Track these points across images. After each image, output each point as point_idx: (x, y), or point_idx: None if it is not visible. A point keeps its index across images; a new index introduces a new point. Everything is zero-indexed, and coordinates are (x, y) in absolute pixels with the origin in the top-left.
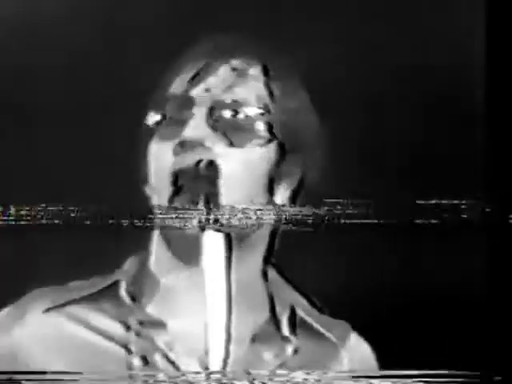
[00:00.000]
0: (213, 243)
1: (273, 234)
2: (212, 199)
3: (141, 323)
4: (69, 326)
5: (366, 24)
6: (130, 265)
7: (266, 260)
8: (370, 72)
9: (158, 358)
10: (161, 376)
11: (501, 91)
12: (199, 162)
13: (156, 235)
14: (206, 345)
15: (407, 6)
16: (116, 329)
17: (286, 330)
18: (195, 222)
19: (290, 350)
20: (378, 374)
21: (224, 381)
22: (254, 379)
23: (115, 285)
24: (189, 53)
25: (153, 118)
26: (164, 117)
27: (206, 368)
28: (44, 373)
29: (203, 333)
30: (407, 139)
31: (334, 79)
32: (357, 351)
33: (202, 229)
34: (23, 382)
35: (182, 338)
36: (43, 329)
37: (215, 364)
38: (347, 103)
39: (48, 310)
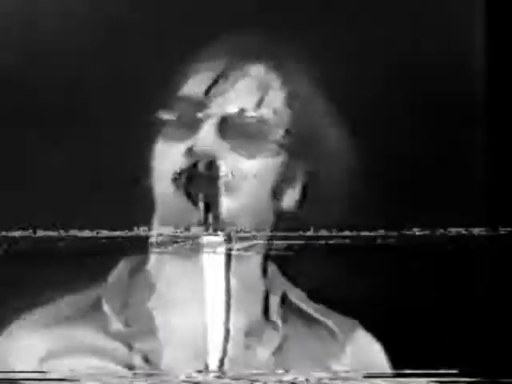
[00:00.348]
0: (212, 245)
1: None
2: (212, 200)
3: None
4: (54, 344)
5: (365, 24)
6: (121, 268)
7: (267, 257)
8: (370, 72)
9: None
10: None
11: (501, 92)
12: (198, 162)
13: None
14: (205, 344)
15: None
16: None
17: (274, 316)
18: (195, 223)
19: (278, 336)
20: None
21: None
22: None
23: (98, 301)
24: (202, 53)
25: (164, 117)
26: (177, 118)
27: (206, 367)
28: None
29: (201, 331)
30: (407, 141)
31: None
32: (362, 347)
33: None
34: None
35: (180, 337)
36: (32, 348)
37: (213, 363)
38: (346, 104)
39: (35, 330)
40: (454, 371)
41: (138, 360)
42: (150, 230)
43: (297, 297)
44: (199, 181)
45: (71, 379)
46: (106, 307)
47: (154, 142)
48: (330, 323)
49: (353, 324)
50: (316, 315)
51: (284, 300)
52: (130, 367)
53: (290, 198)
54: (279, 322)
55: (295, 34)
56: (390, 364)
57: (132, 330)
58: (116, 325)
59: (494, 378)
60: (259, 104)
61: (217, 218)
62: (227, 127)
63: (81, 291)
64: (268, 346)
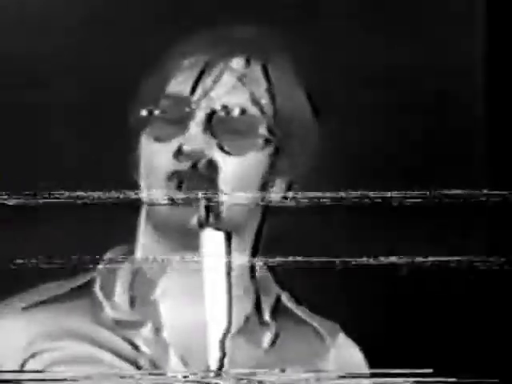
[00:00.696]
0: (213, 241)
1: (259, 231)
2: (211, 198)
3: (117, 322)
4: (41, 326)
5: (365, 24)
6: (111, 256)
7: (253, 255)
8: (368, 72)
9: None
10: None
11: (501, 91)
12: (197, 162)
13: (143, 227)
14: (205, 342)
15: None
16: (91, 329)
17: (267, 316)
18: (194, 220)
19: (270, 335)
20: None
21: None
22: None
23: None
24: (184, 48)
25: (149, 115)
26: (163, 116)
27: (207, 367)
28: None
29: (200, 329)
30: (406, 139)
31: (330, 77)
32: (344, 349)
33: (201, 226)
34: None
35: (178, 336)
36: (19, 332)
37: (214, 362)
38: (344, 103)
39: (24, 309)
40: (429, 371)
41: (127, 347)
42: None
43: (288, 300)
44: (199, 180)
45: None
46: (98, 293)
47: (139, 142)
48: (318, 326)
49: (335, 328)
50: (306, 318)
51: (277, 303)
52: (119, 354)
53: (277, 191)
54: (271, 322)
55: (276, 27)
56: (369, 368)
57: (124, 316)
58: (107, 311)
59: (470, 378)
60: (244, 98)
61: (218, 216)
62: (214, 124)
63: (67, 279)
64: (260, 344)
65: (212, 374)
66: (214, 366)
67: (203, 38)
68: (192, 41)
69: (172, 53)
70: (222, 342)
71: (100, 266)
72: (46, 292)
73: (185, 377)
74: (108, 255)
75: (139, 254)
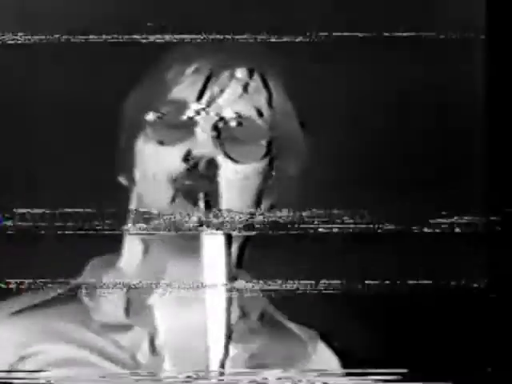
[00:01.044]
0: (213, 242)
1: (243, 243)
2: (212, 197)
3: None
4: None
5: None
6: (92, 268)
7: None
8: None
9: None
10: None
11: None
12: (198, 163)
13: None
14: (206, 344)
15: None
16: (79, 333)
17: (254, 321)
18: (194, 220)
19: (258, 339)
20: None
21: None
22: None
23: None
24: (183, 54)
25: (152, 119)
26: (167, 121)
27: (207, 368)
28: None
29: (195, 333)
30: (401, 151)
31: (323, 88)
32: (323, 357)
33: (201, 226)
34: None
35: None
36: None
37: (214, 364)
38: (339, 114)
39: (12, 314)
40: (403, 370)
41: (116, 351)
42: None
43: (273, 309)
44: (199, 180)
45: None
46: (84, 298)
47: (133, 146)
48: (300, 334)
49: (315, 335)
50: (290, 326)
51: (264, 311)
52: (110, 359)
53: (267, 199)
54: (258, 327)
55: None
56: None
57: (112, 320)
58: (94, 315)
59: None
60: (250, 108)
61: (217, 216)
62: (219, 131)
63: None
64: (248, 348)
65: (213, 374)
66: (214, 367)
67: (202, 44)
68: (191, 47)
69: (172, 59)
70: (226, 343)
71: (85, 274)
72: (33, 298)
73: (188, 376)
74: (90, 265)
75: (123, 261)
